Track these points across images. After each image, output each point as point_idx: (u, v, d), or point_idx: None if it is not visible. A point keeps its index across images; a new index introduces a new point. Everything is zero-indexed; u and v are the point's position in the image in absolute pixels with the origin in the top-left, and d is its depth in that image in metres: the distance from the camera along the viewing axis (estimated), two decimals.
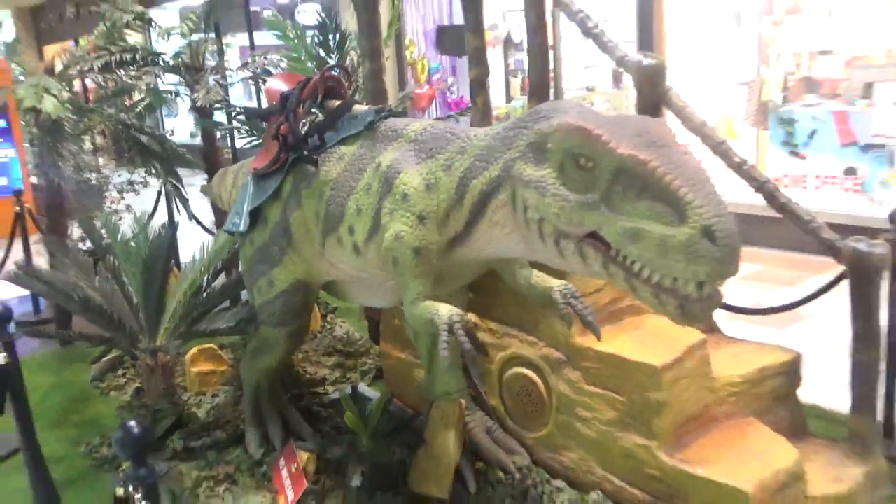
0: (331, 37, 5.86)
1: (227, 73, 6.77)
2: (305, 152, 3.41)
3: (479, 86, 4.85)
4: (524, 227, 2.47)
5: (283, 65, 6.11)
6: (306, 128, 3.48)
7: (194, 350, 4.88)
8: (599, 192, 2.19)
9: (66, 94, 5.50)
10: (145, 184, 6.96)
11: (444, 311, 2.72)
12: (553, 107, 2.52)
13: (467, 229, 2.76)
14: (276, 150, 3.53)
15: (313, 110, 3.58)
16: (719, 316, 4.08)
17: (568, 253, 2.34)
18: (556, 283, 3.01)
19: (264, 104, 3.80)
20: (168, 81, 6.72)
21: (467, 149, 2.78)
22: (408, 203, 2.84)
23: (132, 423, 2.10)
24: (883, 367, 3.48)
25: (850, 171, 7.09)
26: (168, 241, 4.52)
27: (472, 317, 3.84)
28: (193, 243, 4.57)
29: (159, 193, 6.55)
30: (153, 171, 5.66)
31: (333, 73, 3.65)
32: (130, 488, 2.10)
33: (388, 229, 2.88)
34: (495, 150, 2.63)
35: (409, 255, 2.82)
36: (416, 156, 2.95)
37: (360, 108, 3.49)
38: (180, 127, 13.31)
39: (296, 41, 5.95)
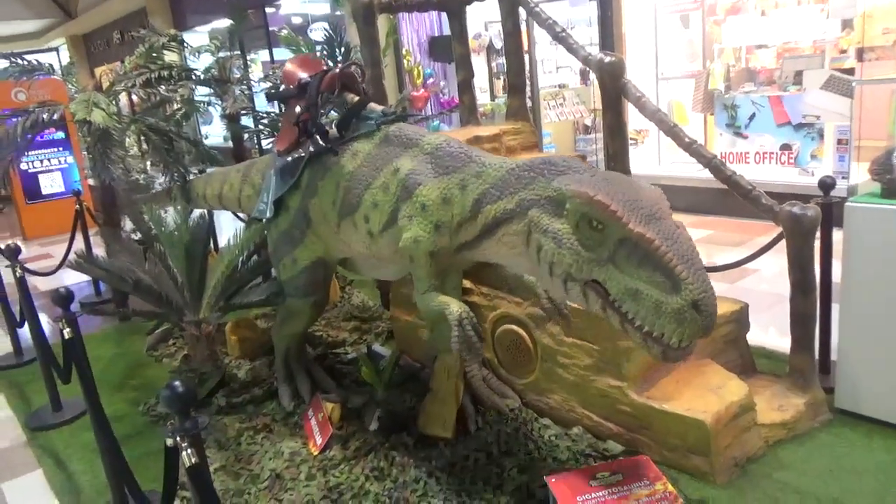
0: (337, 49, 5.79)
1: (252, 83, 6.71)
2: (326, 145, 3.36)
3: (465, 86, 4.82)
4: (535, 261, 2.49)
5: (287, 64, 6.01)
6: (329, 124, 3.41)
7: (233, 321, 4.86)
8: (608, 252, 2.23)
9: (112, 108, 5.43)
10: (171, 183, 6.91)
11: (455, 308, 2.74)
12: (567, 164, 2.52)
13: (476, 241, 2.78)
14: (296, 135, 3.48)
15: (331, 101, 3.49)
16: None
17: (573, 292, 2.38)
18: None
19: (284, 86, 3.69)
20: (201, 93, 6.64)
21: (483, 175, 2.75)
22: (426, 213, 2.83)
23: (176, 382, 2.07)
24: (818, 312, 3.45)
25: (786, 147, 7.04)
26: (205, 228, 4.48)
27: (466, 282, 3.83)
28: (229, 229, 4.54)
29: None
30: (181, 169, 5.59)
31: (350, 69, 3.56)
32: (178, 438, 2.08)
33: (407, 232, 2.87)
34: (510, 185, 2.62)
35: (425, 256, 2.85)
36: (433, 169, 2.91)
37: (374, 106, 3.42)
38: (215, 132, 13.26)
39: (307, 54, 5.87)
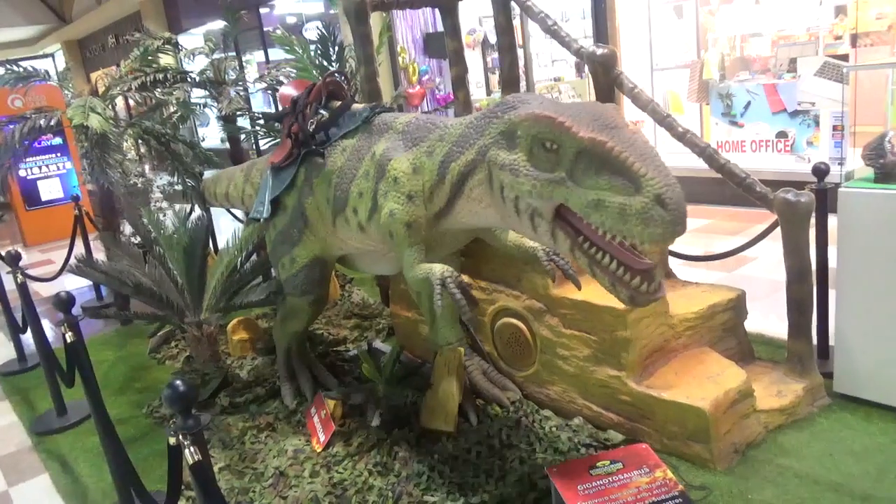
0: (330, 48, 5.80)
1: (247, 84, 6.72)
2: (314, 146, 3.41)
3: (460, 82, 4.83)
4: (501, 203, 2.45)
5: (293, 74, 6.04)
6: (314, 126, 3.47)
7: (234, 321, 4.89)
8: (565, 170, 2.17)
9: (109, 112, 5.45)
10: (180, 184, 6.94)
11: (437, 269, 2.73)
12: (518, 98, 2.48)
13: (449, 204, 2.76)
14: (290, 147, 3.53)
15: (320, 111, 3.55)
16: (676, 264, 4.10)
17: (541, 230, 2.33)
18: (536, 243, 3.00)
19: (280, 107, 3.79)
20: (196, 95, 6.66)
21: (445, 136, 2.76)
22: (398, 185, 2.85)
23: (178, 381, 2.09)
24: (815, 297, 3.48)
25: (782, 135, 7.05)
26: (203, 230, 4.50)
27: (465, 278, 3.84)
28: (228, 230, 4.57)
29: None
30: (188, 170, 5.62)
31: (334, 77, 3.64)
32: (180, 437, 2.10)
33: (384, 208, 2.90)
34: (469, 137, 2.61)
35: (402, 228, 2.85)
36: (403, 144, 2.95)
37: (357, 106, 3.47)
38: (211, 134, 13.27)
39: (301, 53, 5.88)
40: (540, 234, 2.36)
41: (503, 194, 2.41)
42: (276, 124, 4.79)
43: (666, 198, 1.94)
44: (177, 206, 4.95)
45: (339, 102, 3.53)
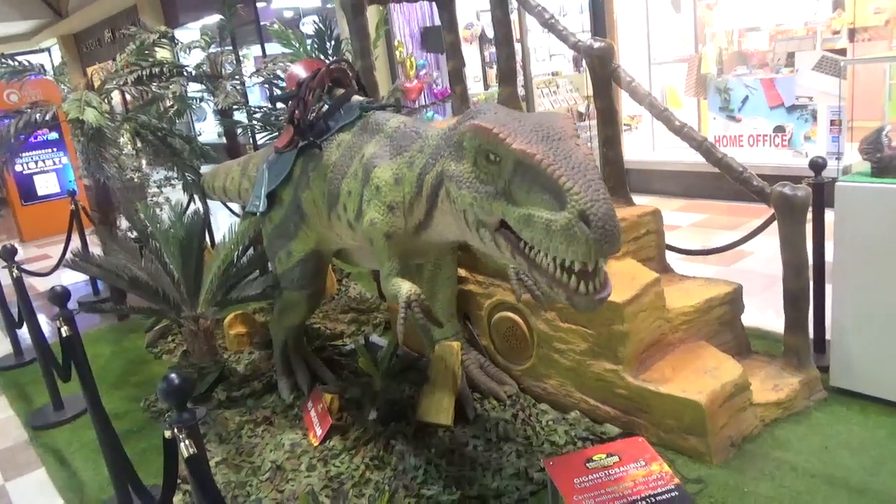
0: (327, 42, 5.78)
1: (244, 78, 6.70)
2: (311, 138, 3.38)
3: (457, 76, 4.82)
4: (457, 216, 2.41)
5: (290, 67, 6.03)
6: (314, 115, 3.43)
7: (231, 315, 4.88)
8: (503, 183, 2.13)
9: (105, 106, 5.44)
10: (180, 178, 6.93)
11: (405, 289, 2.72)
12: (476, 109, 2.43)
13: (427, 217, 2.72)
14: (293, 132, 3.50)
15: (322, 97, 3.51)
16: (673, 258, 4.10)
17: (486, 240, 2.29)
18: None
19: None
20: (193, 89, 6.64)
21: (424, 148, 2.73)
22: (380, 194, 2.83)
23: (173, 374, 2.09)
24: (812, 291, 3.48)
25: (779, 129, 7.04)
26: (199, 224, 4.50)
27: (462, 271, 3.85)
28: (225, 224, 4.57)
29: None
30: (174, 167, 5.62)
31: (340, 65, 3.58)
32: (176, 430, 2.10)
33: (366, 215, 2.89)
34: (441, 149, 2.57)
35: (381, 238, 2.84)
36: (389, 152, 2.92)
37: (358, 98, 3.44)
38: (208, 128, 13.24)
39: (297, 47, 5.86)
40: (486, 245, 2.32)
41: (454, 206, 2.39)
42: (278, 108, 4.72)
43: (590, 213, 1.86)
44: (173, 201, 4.95)
45: (342, 91, 3.50)
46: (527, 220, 2.02)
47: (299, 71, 3.67)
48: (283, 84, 5.16)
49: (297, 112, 3.45)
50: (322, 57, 5.76)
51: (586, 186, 1.89)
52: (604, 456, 2.65)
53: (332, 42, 5.77)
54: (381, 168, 2.88)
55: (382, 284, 2.93)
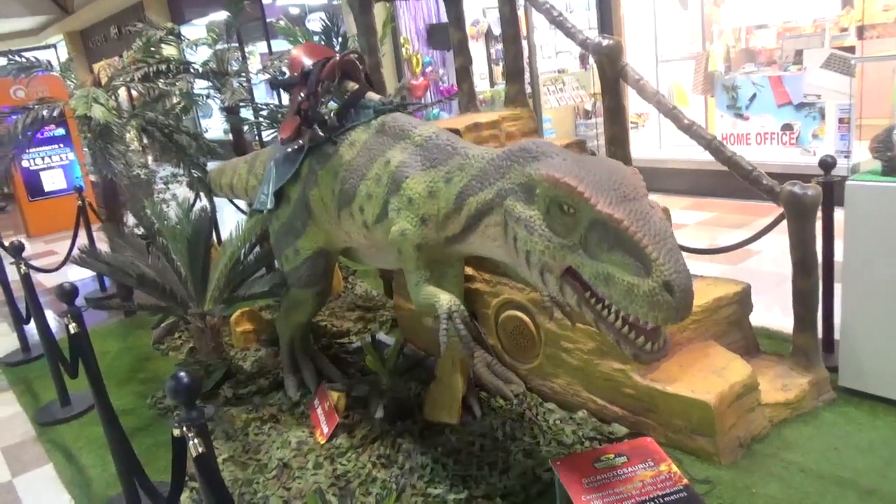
0: (334, 38, 5.77)
1: (250, 75, 6.69)
2: (324, 134, 3.35)
3: (464, 73, 4.80)
4: (513, 252, 2.46)
5: (292, 51, 6.00)
6: (328, 114, 3.41)
7: (237, 313, 4.88)
8: (579, 237, 2.18)
9: (112, 103, 5.43)
10: (186, 175, 6.93)
11: (445, 300, 2.72)
12: (540, 149, 2.47)
13: (462, 234, 2.75)
14: (298, 124, 3.48)
15: (331, 89, 3.48)
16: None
17: (550, 284, 2.34)
18: None
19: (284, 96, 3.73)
20: (199, 86, 6.63)
21: (465, 167, 2.74)
22: (413, 206, 2.84)
23: (181, 372, 2.09)
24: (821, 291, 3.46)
25: (787, 128, 7.01)
26: (207, 221, 4.48)
27: (468, 269, 3.83)
28: (232, 221, 4.56)
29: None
30: (181, 164, 5.62)
31: (351, 57, 3.53)
32: (184, 428, 2.10)
33: (396, 224, 2.89)
34: (489, 175, 2.59)
35: (412, 249, 2.85)
36: (421, 162, 2.91)
37: (372, 95, 3.42)
38: (215, 125, 13.25)
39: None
40: (548, 287, 2.37)
41: (516, 245, 2.42)
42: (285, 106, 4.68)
43: (675, 285, 1.97)
44: (180, 198, 4.95)
45: (352, 84, 3.46)
46: (606, 278, 2.11)
47: (302, 55, 3.60)
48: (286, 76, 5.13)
49: (305, 103, 3.42)
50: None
51: (669, 257, 2.00)
52: (612, 456, 2.64)
53: (340, 39, 5.75)
54: (413, 180, 2.87)
55: (412, 293, 2.93)
